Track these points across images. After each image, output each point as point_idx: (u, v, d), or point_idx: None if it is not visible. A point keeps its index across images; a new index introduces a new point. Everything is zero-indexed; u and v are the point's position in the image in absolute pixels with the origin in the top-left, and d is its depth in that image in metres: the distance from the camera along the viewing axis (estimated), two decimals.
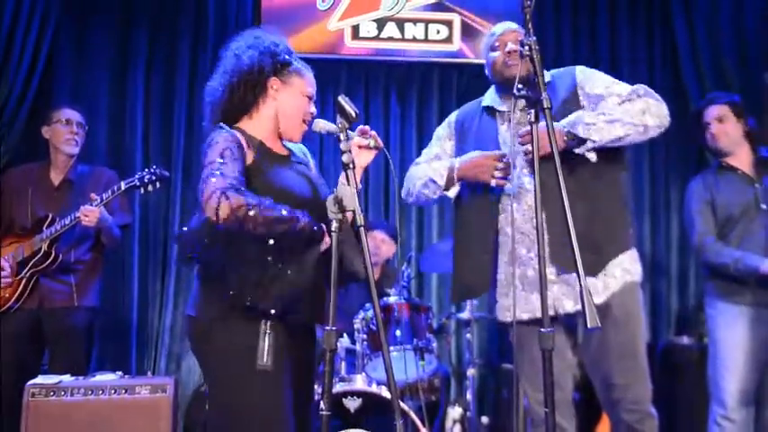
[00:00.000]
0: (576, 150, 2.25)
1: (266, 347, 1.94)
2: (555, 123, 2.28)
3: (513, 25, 2.52)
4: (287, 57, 2.18)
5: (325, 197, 1.94)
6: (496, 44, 2.50)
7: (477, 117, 2.57)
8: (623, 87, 2.38)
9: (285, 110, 2.17)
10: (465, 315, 3.97)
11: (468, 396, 3.92)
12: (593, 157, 2.31)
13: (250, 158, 2.05)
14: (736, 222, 3.08)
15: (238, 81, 2.14)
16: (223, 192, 1.86)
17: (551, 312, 2.29)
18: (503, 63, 2.46)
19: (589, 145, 2.26)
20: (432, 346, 3.96)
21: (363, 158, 2.14)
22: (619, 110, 2.28)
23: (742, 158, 3.18)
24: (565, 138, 2.25)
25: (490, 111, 2.54)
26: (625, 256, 2.37)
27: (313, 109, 2.21)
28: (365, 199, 4.71)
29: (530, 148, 2.18)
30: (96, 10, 4.51)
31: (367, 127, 2.14)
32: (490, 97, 2.59)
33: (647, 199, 4.88)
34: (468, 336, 3.99)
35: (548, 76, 2.48)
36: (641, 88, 2.36)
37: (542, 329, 1.73)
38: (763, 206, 3.08)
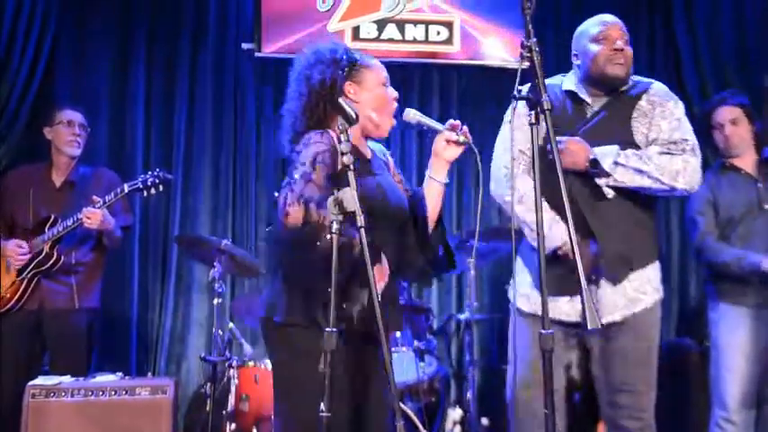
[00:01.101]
0: (596, 180, 2.23)
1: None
2: (594, 148, 2.26)
3: (619, 22, 2.44)
4: (349, 56, 2.15)
5: (397, 203, 1.99)
6: (601, 36, 2.40)
7: (561, 101, 2.45)
8: (678, 134, 2.33)
9: (370, 107, 2.13)
10: (465, 316, 3.97)
11: (469, 397, 3.92)
12: (610, 193, 2.29)
13: (340, 164, 1.96)
14: (738, 222, 3.07)
15: (316, 99, 2.10)
16: (306, 201, 1.85)
17: (574, 319, 2.29)
18: (607, 59, 2.38)
19: (610, 182, 2.26)
20: (432, 348, 3.96)
21: (450, 153, 2.10)
22: (655, 162, 2.25)
23: (747, 160, 3.17)
24: (587, 163, 2.24)
25: (573, 96, 2.44)
26: (654, 269, 2.40)
27: (395, 93, 2.19)
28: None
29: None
30: (97, 11, 4.51)
31: (458, 122, 2.10)
32: (572, 83, 2.47)
33: None
34: (469, 337, 3.98)
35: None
36: (690, 144, 2.32)
37: (542, 331, 1.73)
38: (766, 206, 3.07)
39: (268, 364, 3.49)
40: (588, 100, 2.43)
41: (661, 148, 2.31)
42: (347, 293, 1.91)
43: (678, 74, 4.81)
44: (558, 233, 2.26)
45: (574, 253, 1.69)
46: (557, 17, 4.86)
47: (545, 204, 2.18)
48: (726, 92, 3.52)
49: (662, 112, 2.36)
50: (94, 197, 3.27)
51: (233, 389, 3.43)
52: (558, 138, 2.18)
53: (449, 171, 2.18)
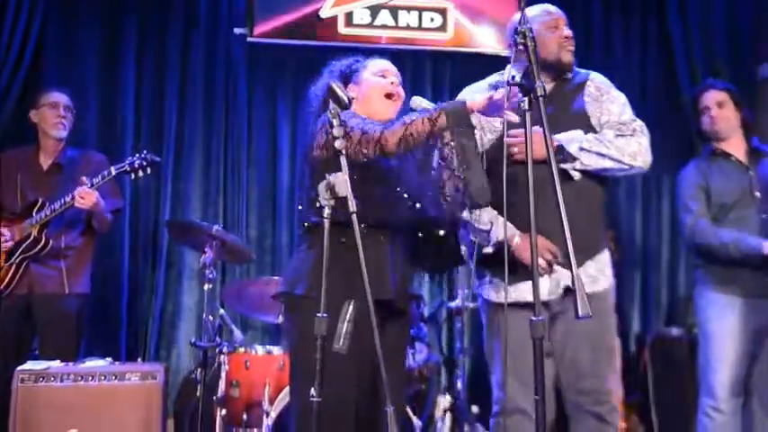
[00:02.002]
0: (562, 165, 2.32)
1: (344, 331, 1.90)
2: (558, 135, 2.33)
3: (552, 9, 2.53)
4: (352, 66, 2.29)
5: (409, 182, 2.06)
6: (553, 25, 2.49)
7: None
8: (626, 116, 2.48)
9: (367, 98, 2.24)
10: (456, 303, 3.97)
11: (459, 385, 3.93)
12: (576, 175, 2.40)
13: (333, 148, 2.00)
14: (730, 209, 3.07)
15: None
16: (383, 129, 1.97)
17: (530, 299, 2.31)
18: (561, 45, 2.47)
19: (577, 165, 2.37)
20: (423, 335, 3.97)
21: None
22: (615, 145, 2.39)
23: (737, 145, 3.18)
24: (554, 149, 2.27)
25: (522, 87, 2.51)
26: (606, 255, 2.48)
27: (393, 81, 2.26)
28: None
29: (514, 150, 2.20)
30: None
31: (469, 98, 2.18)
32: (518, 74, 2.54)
33: (638, 190, 4.89)
34: (459, 324, 3.99)
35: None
36: (638, 124, 2.47)
37: (533, 318, 1.73)
38: (757, 194, 3.08)
39: (259, 349, 3.49)
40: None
41: (613, 130, 2.44)
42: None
43: (671, 69, 4.85)
44: (502, 228, 2.35)
45: (566, 241, 1.68)
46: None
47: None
48: (713, 79, 3.59)
49: (609, 98, 2.50)
50: (83, 178, 3.25)
51: (223, 375, 3.42)
52: (515, 131, 2.23)
53: None
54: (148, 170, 3.28)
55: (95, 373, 2.97)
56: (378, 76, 2.25)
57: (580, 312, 1.65)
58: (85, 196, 3.20)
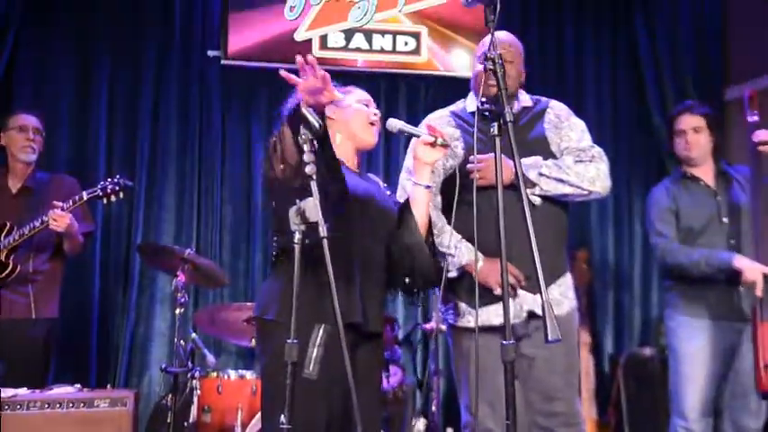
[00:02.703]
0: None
1: (315, 356, 1.94)
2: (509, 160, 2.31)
3: (508, 36, 2.53)
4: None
5: (384, 203, 2.09)
6: (481, 57, 2.49)
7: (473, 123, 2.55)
8: (585, 142, 2.52)
9: (347, 121, 2.26)
10: (431, 325, 3.97)
11: (434, 407, 3.92)
12: (536, 200, 2.44)
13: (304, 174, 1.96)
14: (698, 234, 3.10)
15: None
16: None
17: (496, 323, 2.33)
18: (482, 79, 2.43)
19: (536, 191, 2.41)
20: (397, 358, 3.96)
21: (432, 156, 2.18)
22: (574, 170, 2.43)
23: (706, 170, 3.21)
24: (512, 176, 2.29)
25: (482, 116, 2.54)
26: (569, 278, 2.51)
27: (376, 111, 2.30)
28: None
29: (476, 176, 2.23)
30: (58, 18, 4.44)
31: (434, 124, 2.24)
32: (474, 104, 2.57)
33: (610, 210, 4.95)
34: (434, 347, 3.99)
35: (527, 100, 2.56)
36: (596, 150, 2.51)
37: (504, 342, 1.73)
38: (725, 219, 3.11)
39: (231, 374, 3.45)
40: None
41: (573, 156, 2.47)
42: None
43: (642, 92, 4.95)
44: (465, 253, 2.41)
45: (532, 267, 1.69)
46: (522, 32, 4.92)
47: (449, 227, 2.33)
48: (692, 101, 3.57)
49: (569, 125, 2.54)
50: (55, 203, 3.21)
51: (195, 400, 3.38)
52: (481, 155, 2.27)
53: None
54: (120, 195, 3.25)
55: (63, 401, 2.90)
56: (363, 104, 2.30)
57: (550, 336, 1.65)
58: (58, 219, 3.16)
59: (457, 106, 2.64)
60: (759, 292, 2.87)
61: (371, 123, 2.28)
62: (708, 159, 3.21)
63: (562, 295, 2.47)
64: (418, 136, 2.18)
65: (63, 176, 3.64)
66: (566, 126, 2.53)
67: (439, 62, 4.76)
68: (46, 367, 3.42)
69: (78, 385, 3.10)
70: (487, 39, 2.52)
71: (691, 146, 3.17)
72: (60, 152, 4.31)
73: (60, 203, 3.20)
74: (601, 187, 2.46)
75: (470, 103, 2.61)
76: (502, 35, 2.53)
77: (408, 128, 2.21)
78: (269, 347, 2.04)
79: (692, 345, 3.07)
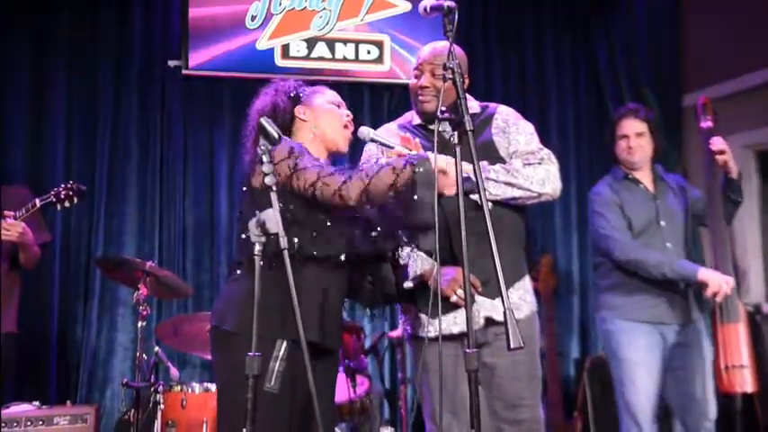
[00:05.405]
0: (471, 196, 2.28)
1: (276, 370, 1.92)
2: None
3: (431, 54, 2.47)
4: (301, 88, 2.27)
5: None
6: (414, 73, 2.50)
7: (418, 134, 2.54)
8: (533, 145, 2.50)
9: (321, 123, 2.22)
10: (397, 333, 3.96)
11: (401, 416, 3.91)
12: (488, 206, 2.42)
13: (263, 184, 1.94)
14: (637, 234, 3.11)
15: (274, 118, 2.10)
16: (350, 177, 1.94)
17: (455, 331, 2.33)
18: (415, 95, 2.48)
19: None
20: (363, 367, 3.94)
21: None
22: (522, 174, 2.41)
23: (645, 174, 3.24)
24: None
25: (425, 128, 2.53)
26: (528, 282, 2.49)
27: (348, 113, 2.27)
28: None
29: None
30: (13, 32, 4.36)
31: (409, 135, 2.21)
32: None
33: (574, 217, 5.01)
34: (400, 355, 3.98)
35: (475, 107, 2.53)
36: (545, 152, 2.49)
37: (467, 350, 1.73)
38: (663, 223, 3.14)
39: (196, 387, 3.41)
40: (439, 128, 2.48)
41: (521, 159, 2.46)
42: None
43: (600, 96, 5.06)
44: (420, 263, 2.38)
45: (494, 272, 1.70)
46: (485, 44, 4.99)
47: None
48: (636, 104, 3.57)
49: (517, 129, 2.52)
50: (6, 212, 3.13)
51: (159, 415, 3.32)
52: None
53: None
54: (75, 200, 3.18)
55: (20, 419, 2.86)
56: (334, 105, 2.27)
57: (512, 344, 1.66)
58: (11, 228, 3.09)
59: (405, 119, 2.62)
60: (720, 299, 2.93)
61: (345, 126, 2.25)
62: (647, 164, 3.24)
63: (521, 299, 2.46)
64: (391, 147, 2.15)
65: (14, 187, 3.55)
66: (513, 130, 2.51)
67: (402, 70, 4.78)
68: (2, 384, 3.33)
69: (37, 402, 3.04)
70: (422, 51, 2.56)
71: (633, 150, 3.19)
72: (16, 165, 4.22)
73: (12, 212, 3.13)
74: (551, 189, 2.44)
75: (416, 116, 2.60)
76: (425, 51, 2.51)
77: (381, 138, 2.19)
78: (226, 360, 2.01)
79: (636, 350, 3.04)
